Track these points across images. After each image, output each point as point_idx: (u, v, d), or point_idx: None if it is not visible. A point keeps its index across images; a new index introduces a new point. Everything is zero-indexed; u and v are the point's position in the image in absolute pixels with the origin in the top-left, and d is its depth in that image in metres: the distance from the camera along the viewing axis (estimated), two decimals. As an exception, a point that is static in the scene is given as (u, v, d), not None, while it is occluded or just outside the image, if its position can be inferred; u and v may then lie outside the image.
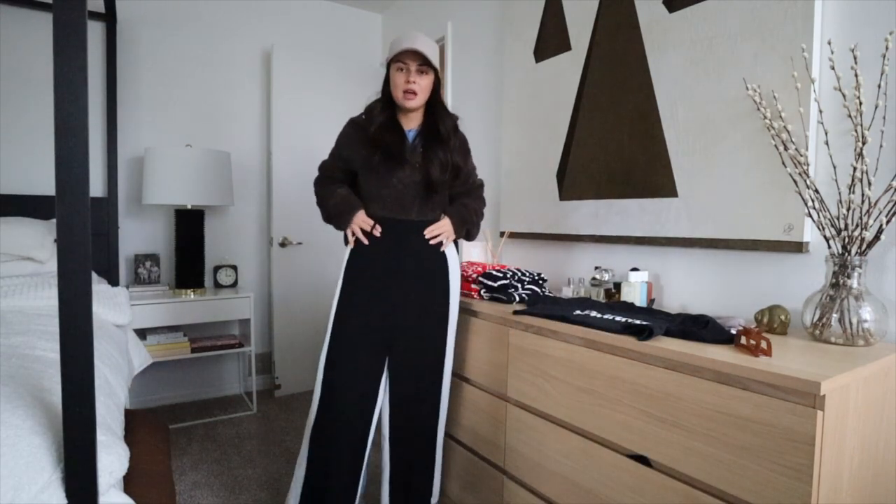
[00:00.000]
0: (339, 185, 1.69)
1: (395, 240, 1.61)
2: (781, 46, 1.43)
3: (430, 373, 1.66)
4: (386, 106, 1.62)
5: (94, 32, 2.68)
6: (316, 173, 1.79)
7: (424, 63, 1.55)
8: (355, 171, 1.68)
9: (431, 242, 1.64)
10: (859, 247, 1.22)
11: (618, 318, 1.39)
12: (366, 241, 1.61)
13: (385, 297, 1.60)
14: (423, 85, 1.57)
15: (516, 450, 1.62)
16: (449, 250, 1.69)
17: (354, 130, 1.66)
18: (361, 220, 1.62)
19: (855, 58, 1.21)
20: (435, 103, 1.64)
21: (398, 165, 1.58)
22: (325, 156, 1.77)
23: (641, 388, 1.24)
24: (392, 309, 1.60)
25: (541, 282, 1.90)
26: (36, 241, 2.21)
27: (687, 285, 1.72)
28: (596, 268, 1.84)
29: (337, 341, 1.61)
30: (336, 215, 1.66)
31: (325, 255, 3.27)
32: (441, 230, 1.65)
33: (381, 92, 1.65)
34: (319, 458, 1.61)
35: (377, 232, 1.60)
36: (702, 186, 1.63)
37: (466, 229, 1.74)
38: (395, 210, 1.61)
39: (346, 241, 1.69)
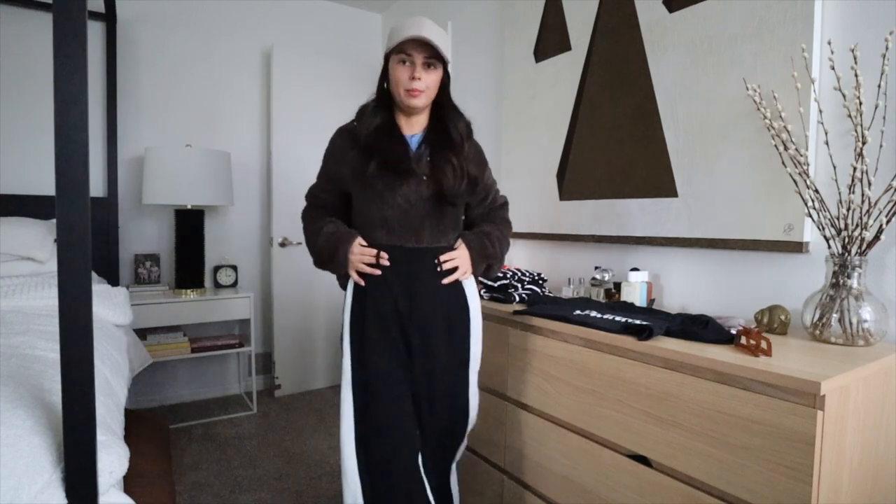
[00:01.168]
0: (326, 220, 1.39)
1: (406, 273, 1.30)
2: (781, 46, 1.43)
3: (453, 419, 1.41)
4: (381, 106, 1.33)
5: (94, 32, 2.68)
6: (314, 173, 1.55)
7: (433, 55, 1.26)
8: (349, 193, 1.38)
9: (444, 280, 1.32)
10: (859, 247, 1.22)
11: (618, 318, 1.39)
12: (377, 272, 1.29)
13: (397, 346, 1.30)
14: (430, 81, 1.27)
15: (516, 450, 1.62)
16: (468, 284, 1.39)
17: (344, 141, 1.36)
18: (360, 254, 1.31)
19: (855, 58, 1.21)
20: (444, 103, 1.35)
21: (401, 178, 1.27)
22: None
23: (641, 388, 1.24)
24: (409, 356, 1.32)
25: (541, 282, 1.90)
26: (36, 241, 2.21)
27: (687, 285, 1.72)
28: (596, 268, 1.84)
29: (361, 392, 1.31)
30: (328, 258, 1.35)
31: (325, 255, 3.27)
32: (456, 261, 1.34)
33: (377, 90, 1.36)
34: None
35: (384, 260, 1.29)
36: (702, 186, 1.63)
37: (488, 264, 1.42)
38: (402, 236, 1.30)
39: (343, 285, 1.39)
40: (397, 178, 1.28)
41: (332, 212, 1.43)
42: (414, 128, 1.36)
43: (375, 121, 1.31)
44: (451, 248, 1.36)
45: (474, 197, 1.42)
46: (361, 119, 1.33)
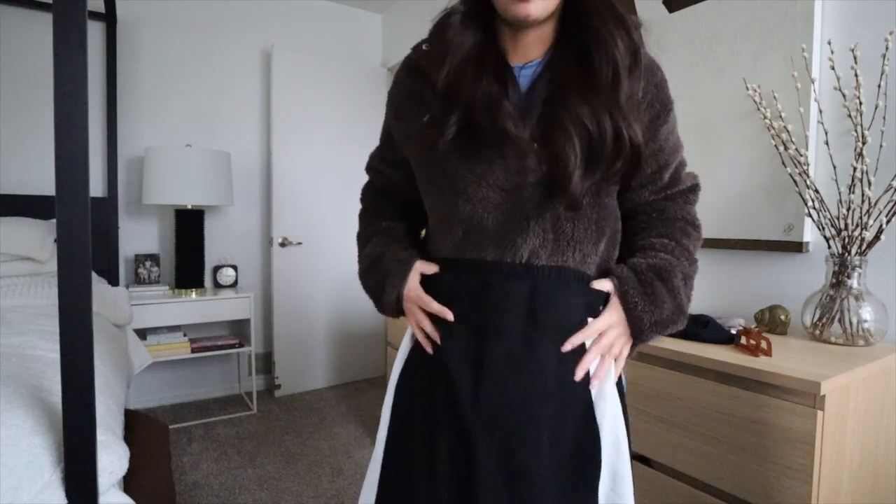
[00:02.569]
0: (380, 225, 0.91)
1: (484, 306, 0.74)
2: (781, 46, 1.43)
3: None
4: (474, 15, 0.76)
5: (94, 32, 2.68)
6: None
7: None
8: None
9: (577, 372, 0.73)
10: (859, 247, 1.22)
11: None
12: (429, 349, 0.79)
13: (445, 468, 0.73)
14: None
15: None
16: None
17: (412, 79, 0.81)
18: (417, 302, 0.80)
19: (855, 58, 1.21)
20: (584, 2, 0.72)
21: (492, 148, 0.71)
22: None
23: (641, 388, 1.24)
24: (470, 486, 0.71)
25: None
26: (36, 241, 2.21)
27: (687, 285, 1.71)
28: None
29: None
30: (372, 291, 0.88)
31: (325, 255, 3.27)
32: (600, 342, 0.74)
33: None
34: None
35: (449, 316, 0.76)
36: (702, 186, 1.63)
37: (663, 330, 0.78)
38: (484, 246, 0.74)
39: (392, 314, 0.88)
40: (483, 149, 0.71)
41: (402, 196, 0.92)
42: (529, 51, 0.76)
43: (466, 40, 0.74)
44: (583, 278, 0.75)
45: (634, 170, 0.74)
46: (439, 39, 0.76)
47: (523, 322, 0.72)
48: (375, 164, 0.95)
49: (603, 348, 0.74)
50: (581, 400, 0.73)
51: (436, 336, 0.78)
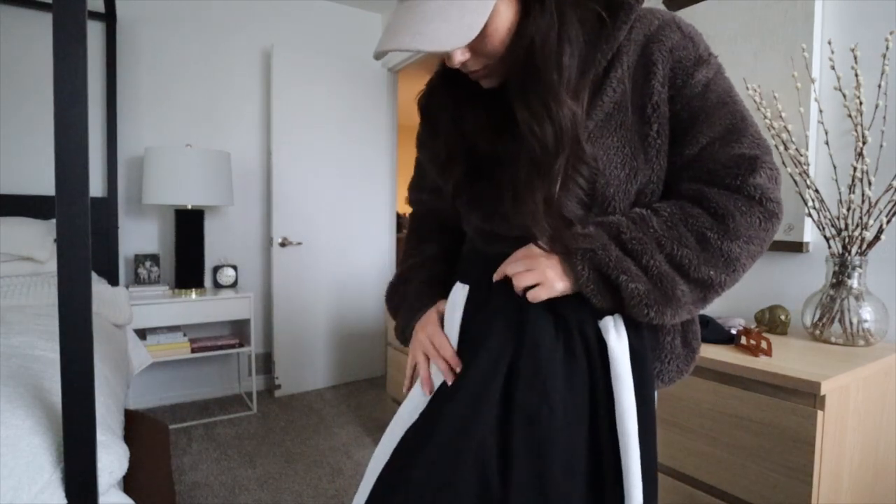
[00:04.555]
0: (415, 263, 0.92)
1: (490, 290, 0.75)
2: (781, 46, 1.43)
3: None
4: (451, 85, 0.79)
5: (94, 32, 2.67)
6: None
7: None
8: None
9: (529, 296, 0.69)
10: (859, 247, 1.22)
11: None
12: (455, 368, 0.75)
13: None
14: (482, 56, 0.68)
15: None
16: (613, 327, 0.68)
17: (442, 96, 0.81)
18: (427, 340, 0.79)
19: (855, 58, 1.21)
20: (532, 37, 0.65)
21: (497, 130, 0.74)
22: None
23: (641, 388, 1.24)
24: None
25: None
26: (36, 241, 2.21)
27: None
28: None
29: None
30: (394, 309, 0.92)
31: (325, 255, 3.27)
32: (526, 266, 0.70)
33: None
34: None
35: (456, 366, 0.75)
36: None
37: (620, 292, 0.66)
38: (499, 221, 0.75)
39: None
40: (493, 130, 0.74)
41: (442, 225, 0.92)
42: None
43: (445, 110, 0.79)
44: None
45: (661, 132, 0.68)
46: (428, 121, 0.84)
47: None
48: (411, 195, 0.97)
49: (526, 265, 0.70)
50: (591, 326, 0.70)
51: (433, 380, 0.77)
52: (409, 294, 0.88)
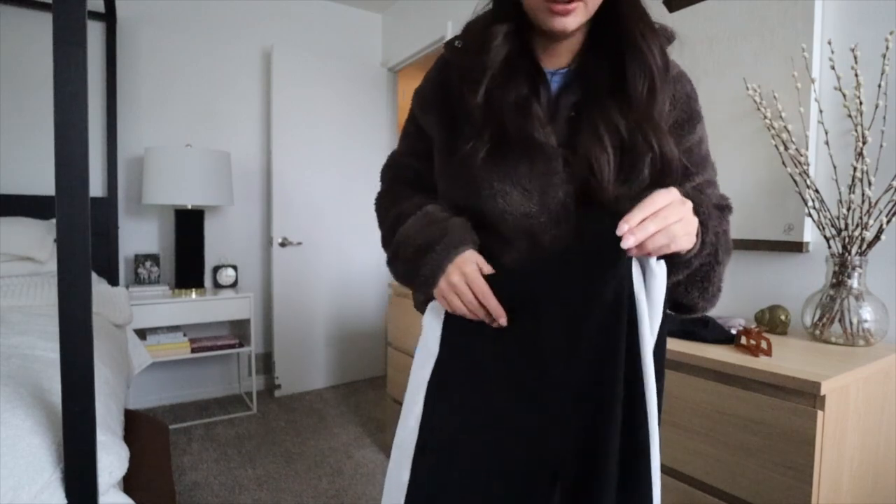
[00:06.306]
0: (419, 199, 0.83)
1: (523, 306, 0.69)
2: (781, 46, 1.43)
3: None
4: (509, 21, 0.73)
5: (94, 32, 2.67)
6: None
7: None
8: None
9: (626, 244, 0.58)
10: (859, 247, 1.22)
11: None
12: (500, 319, 0.69)
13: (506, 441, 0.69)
14: None
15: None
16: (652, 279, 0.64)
17: (442, 77, 0.81)
18: (473, 271, 0.71)
19: (855, 58, 1.21)
20: (616, 6, 0.70)
21: (519, 152, 0.70)
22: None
23: (641, 388, 1.24)
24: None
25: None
26: (36, 241, 2.21)
27: (687, 285, 1.71)
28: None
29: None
30: (412, 254, 0.75)
31: (325, 256, 3.27)
32: (655, 208, 0.59)
33: None
34: None
35: (503, 321, 0.69)
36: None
37: (711, 249, 0.68)
38: (518, 249, 0.73)
39: (421, 306, 0.83)
40: (511, 153, 0.70)
41: (428, 195, 0.84)
42: (559, 58, 0.76)
43: (499, 55, 0.72)
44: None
45: (662, 184, 0.67)
46: (477, 40, 0.74)
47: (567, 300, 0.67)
48: (402, 160, 0.89)
49: (654, 207, 0.60)
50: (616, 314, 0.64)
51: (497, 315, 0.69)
52: (437, 217, 0.76)
